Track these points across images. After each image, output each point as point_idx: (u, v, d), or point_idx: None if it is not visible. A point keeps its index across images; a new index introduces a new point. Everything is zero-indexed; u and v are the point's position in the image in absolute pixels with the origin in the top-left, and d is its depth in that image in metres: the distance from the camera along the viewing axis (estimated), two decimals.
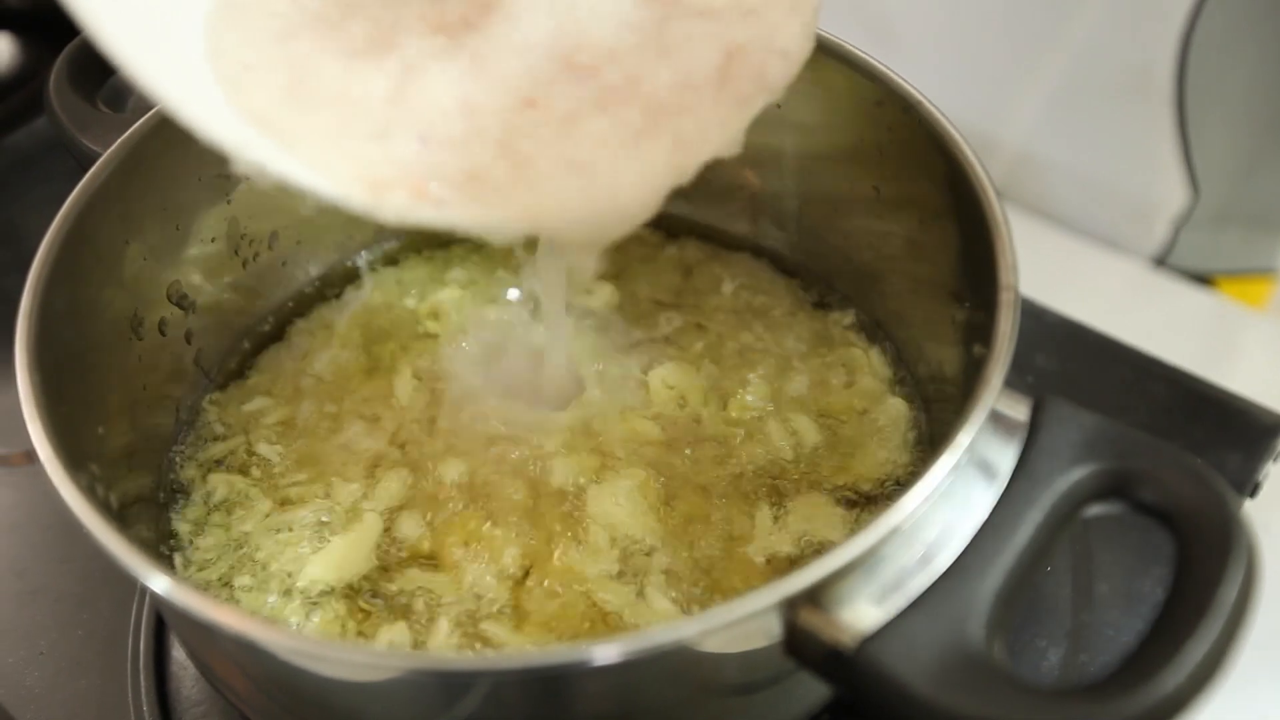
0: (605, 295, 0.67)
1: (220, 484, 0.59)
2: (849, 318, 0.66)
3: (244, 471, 0.60)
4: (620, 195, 0.43)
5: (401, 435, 0.61)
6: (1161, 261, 0.90)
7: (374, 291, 0.69)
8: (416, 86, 0.44)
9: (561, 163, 0.43)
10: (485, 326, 0.66)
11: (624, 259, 0.70)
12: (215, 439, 0.62)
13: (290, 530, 0.57)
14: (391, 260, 0.72)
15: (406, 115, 0.44)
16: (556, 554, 0.54)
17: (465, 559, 0.54)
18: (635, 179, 0.43)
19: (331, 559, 0.54)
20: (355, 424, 0.61)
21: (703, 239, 0.71)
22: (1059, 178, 0.90)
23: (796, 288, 0.69)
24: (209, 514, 0.58)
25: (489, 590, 0.53)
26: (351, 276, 0.71)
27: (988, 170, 0.52)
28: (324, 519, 0.57)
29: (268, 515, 0.58)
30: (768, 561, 0.54)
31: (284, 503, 0.58)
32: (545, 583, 0.54)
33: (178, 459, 0.61)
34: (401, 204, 0.42)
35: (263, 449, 0.61)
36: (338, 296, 0.70)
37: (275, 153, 0.43)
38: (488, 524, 0.56)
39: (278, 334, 0.68)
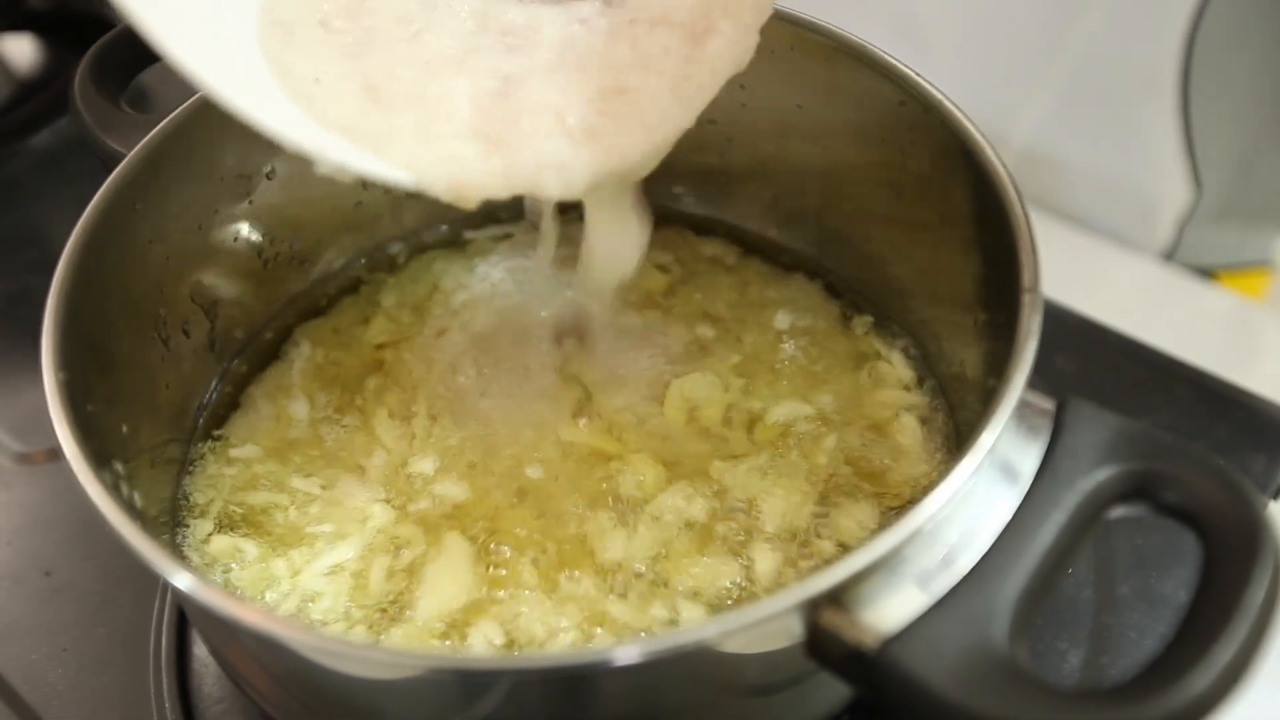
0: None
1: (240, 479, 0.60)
2: (871, 319, 0.66)
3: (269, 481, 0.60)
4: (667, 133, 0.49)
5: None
6: (1168, 259, 0.90)
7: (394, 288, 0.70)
8: (497, 87, 0.48)
9: (628, 120, 0.48)
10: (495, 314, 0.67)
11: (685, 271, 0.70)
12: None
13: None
14: (421, 248, 0.72)
15: (488, 114, 0.47)
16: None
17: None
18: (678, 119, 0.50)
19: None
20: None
21: (763, 258, 0.71)
22: (1066, 175, 0.90)
23: (834, 303, 0.68)
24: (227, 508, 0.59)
25: None
26: (378, 270, 0.71)
27: (1010, 171, 0.52)
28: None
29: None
30: None
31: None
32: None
33: (199, 457, 0.61)
34: (486, 192, 0.46)
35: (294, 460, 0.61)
36: (356, 291, 0.70)
37: (356, 154, 0.46)
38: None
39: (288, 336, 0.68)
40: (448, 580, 0.54)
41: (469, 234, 0.73)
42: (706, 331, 0.66)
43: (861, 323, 0.66)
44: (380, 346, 0.66)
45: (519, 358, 0.64)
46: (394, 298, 0.69)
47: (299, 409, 0.63)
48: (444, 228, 0.73)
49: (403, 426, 0.61)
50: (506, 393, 0.62)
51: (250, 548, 0.56)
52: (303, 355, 0.66)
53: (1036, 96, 0.88)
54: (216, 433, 0.62)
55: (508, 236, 0.72)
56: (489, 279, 0.70)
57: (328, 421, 0.63)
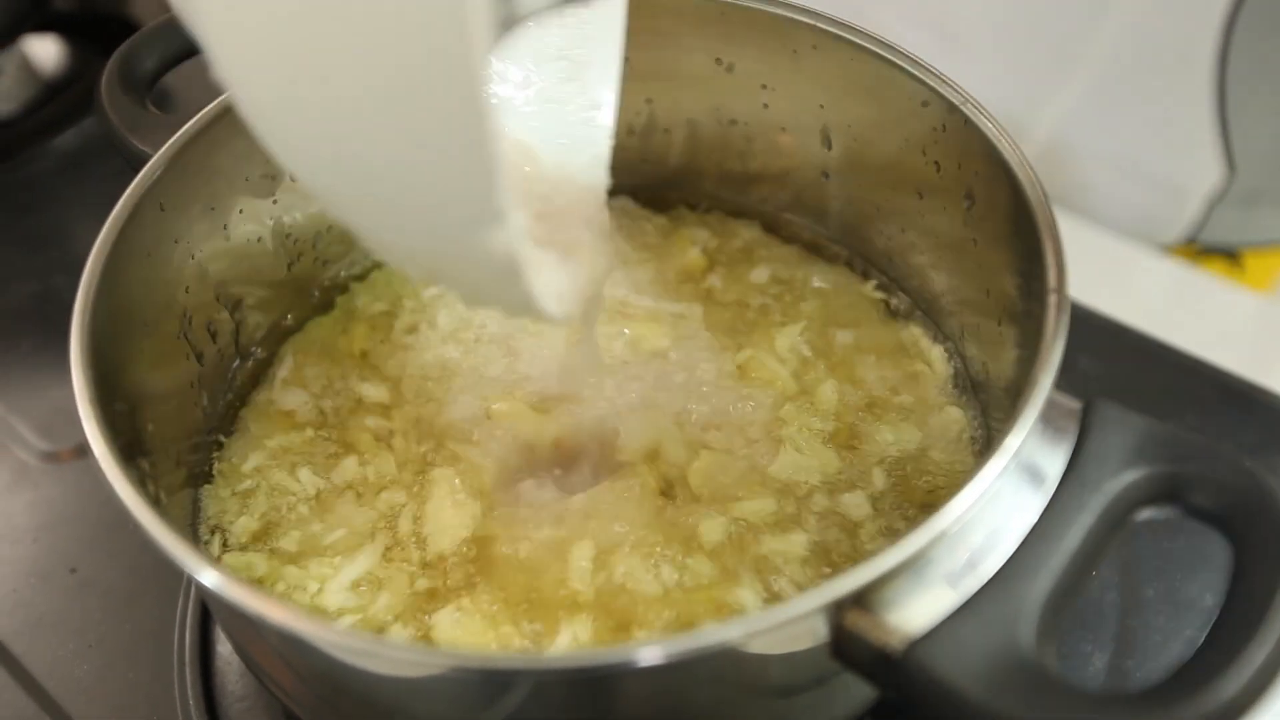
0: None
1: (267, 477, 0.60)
2: (902, 305, 0.66)
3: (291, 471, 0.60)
4: None
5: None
6: (1192, 239, 0.89)
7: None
8: None
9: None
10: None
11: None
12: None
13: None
14: None
15: None
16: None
17: None
18: None
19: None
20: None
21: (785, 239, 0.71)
22: (1092, 159, 0.90)
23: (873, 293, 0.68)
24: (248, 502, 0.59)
25: None
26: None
27: (1035, 171, 0.52)
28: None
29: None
30: None
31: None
32: None
33: (223, 455, 0.62)
34: None
35: (329, 436, 0.61)
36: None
37: None
38: None
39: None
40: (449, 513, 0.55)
41: None
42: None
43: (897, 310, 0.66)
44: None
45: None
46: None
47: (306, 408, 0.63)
48: None
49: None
50: None
51: (261, 562, 0.56)
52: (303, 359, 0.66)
53: (1070, 80, 0.87)
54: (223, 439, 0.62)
55: None
56: None
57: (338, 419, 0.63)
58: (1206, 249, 0.91)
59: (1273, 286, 0.92)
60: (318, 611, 0.53)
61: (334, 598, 0.54)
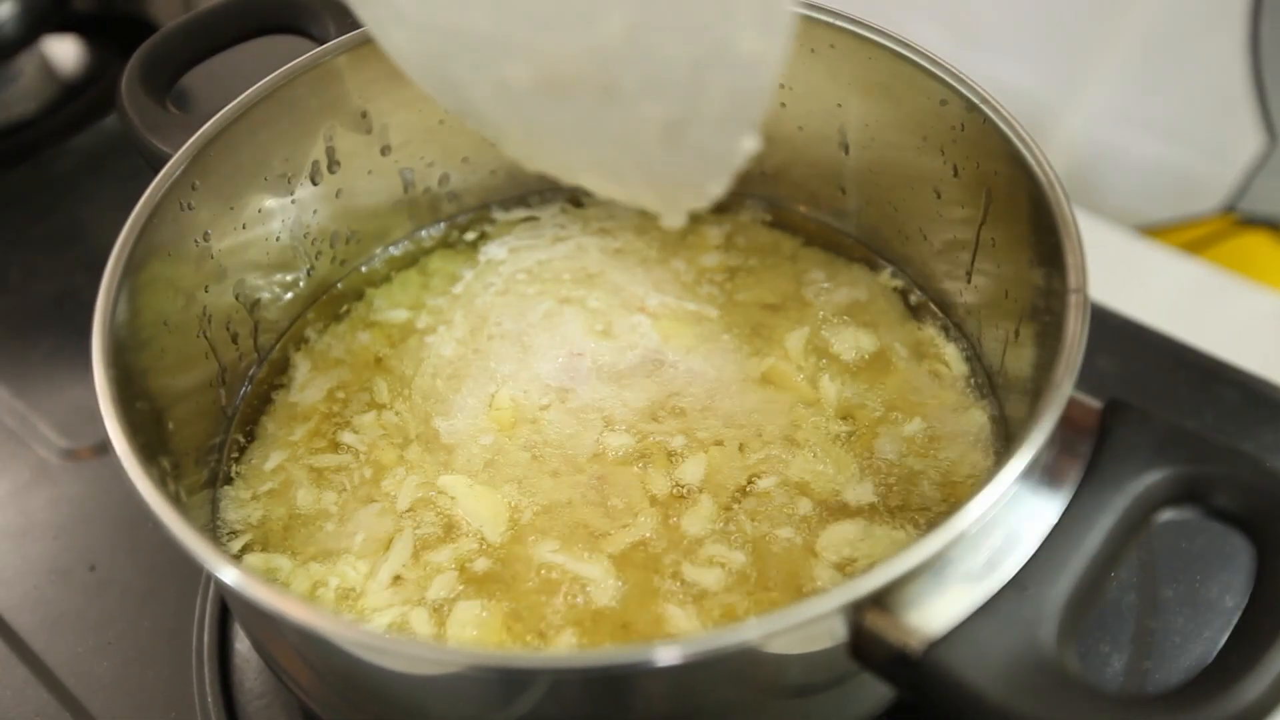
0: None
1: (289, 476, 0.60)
2: (920, 303, 0.66)
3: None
4: None
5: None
6: (1231, 208, 0.89)
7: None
8: None
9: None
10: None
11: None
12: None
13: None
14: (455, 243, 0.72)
15: None
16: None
17: None
18: None
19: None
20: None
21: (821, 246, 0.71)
22: (1132, 132, 0.90)
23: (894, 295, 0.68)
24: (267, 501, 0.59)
25: None
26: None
27: (1054, 169, 0.51)
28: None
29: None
30: None
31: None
32: None
33: (243, 456, 0.62)
34: None
35: (347, 437, 0.61)
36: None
37: None
38: None
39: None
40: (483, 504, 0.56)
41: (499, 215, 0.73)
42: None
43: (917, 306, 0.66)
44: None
45: None
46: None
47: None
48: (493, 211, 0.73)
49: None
50: None
51: (284, 562, 0.56)
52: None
53: (1106, 54, 0.87)
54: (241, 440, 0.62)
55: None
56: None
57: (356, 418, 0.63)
58: (1247, 219, 0.90)
59: None
60: (346, 610, 0.53)
61: (371, 599, 0.54)
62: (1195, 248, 0.93)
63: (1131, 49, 0.86)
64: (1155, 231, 0.94)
